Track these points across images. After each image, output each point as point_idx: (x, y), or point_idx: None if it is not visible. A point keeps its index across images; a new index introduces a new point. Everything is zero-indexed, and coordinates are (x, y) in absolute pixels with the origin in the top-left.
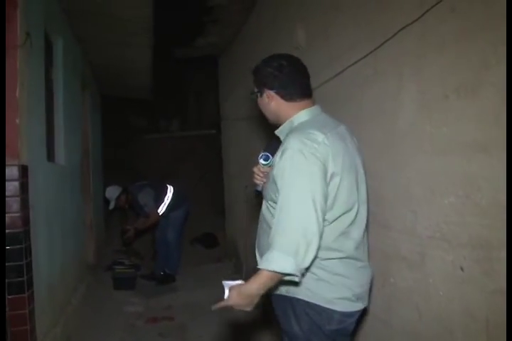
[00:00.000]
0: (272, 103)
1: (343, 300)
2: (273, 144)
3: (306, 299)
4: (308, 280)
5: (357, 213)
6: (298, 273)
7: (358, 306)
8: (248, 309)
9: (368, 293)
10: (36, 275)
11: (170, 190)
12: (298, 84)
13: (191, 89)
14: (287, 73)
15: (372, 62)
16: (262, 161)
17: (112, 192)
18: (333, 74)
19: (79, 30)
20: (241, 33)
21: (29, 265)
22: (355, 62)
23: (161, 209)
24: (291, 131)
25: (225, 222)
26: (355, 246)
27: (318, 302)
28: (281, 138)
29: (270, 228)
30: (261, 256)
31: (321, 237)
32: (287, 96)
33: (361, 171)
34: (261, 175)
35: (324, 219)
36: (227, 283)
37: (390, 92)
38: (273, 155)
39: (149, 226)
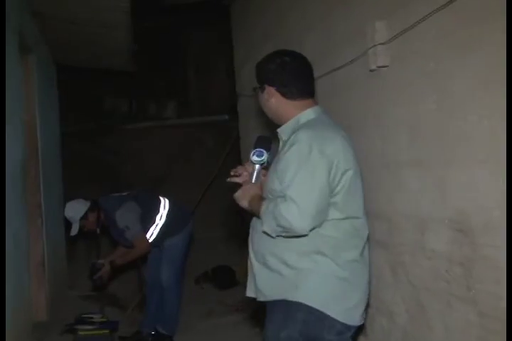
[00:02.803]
0: (272, 100)
1: (347, 311)
2: (264, 140)
3: (308, 303)
4: (311, 284)
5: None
6: (273, 234)
7: (359, 321)
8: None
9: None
10: None
11: (164, 205)
12: (300, 83)
13: (191, 56)
14: (290, 70)
15: None
16: (254, 158)
17: (75, 209)
18: None
19: None
20: None
21: None
22: None
23: (151, 234)
24: (298, 128)
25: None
26: (362, 250)
27: (321, 308)
28: (284, 137)
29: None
30: (257, 260)
31: (318, 225)
32: (288, 94)
33: (359, 180)
34: (239, 172)
35: (336, 217)
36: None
37: None
38: (267, 152)
39: (133, 260)
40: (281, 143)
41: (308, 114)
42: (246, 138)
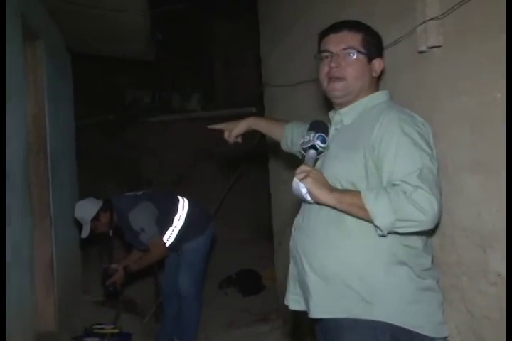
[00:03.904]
0: (373, 75)
1: (439, 325)
2: (323, 124)
3: (395, 323)
4: (392, 299)
5: None
6: (385, 231)
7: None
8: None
9: None
10: None
11: (183, 206)
12: None
13: (218, 46)
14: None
15: None
16: (319, 143)
17: (86, 209)
18: None
19: None
20: None
21: None
22: None
23: (169, 237)
24: (371, 110)
25: (275, 252)
26: (432, 256)
27: (413, 328)
28: (345, 120)
29: (340, 221)
30: (315, 270)
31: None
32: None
33: None
34: (308, 168)
35: None
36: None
37: None
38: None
39: (149, 265)
40: (332, 129)
41: (381, 96)
42: None
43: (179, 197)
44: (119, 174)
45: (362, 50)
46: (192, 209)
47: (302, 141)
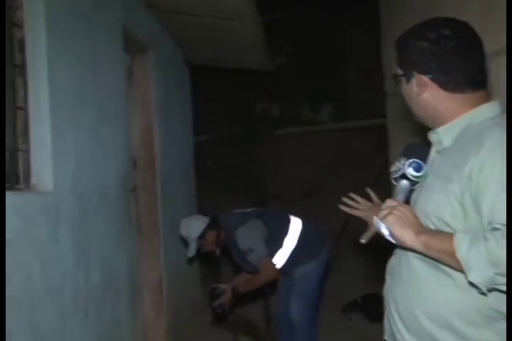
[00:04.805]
0: (425, 94)
1: None
2: (420, 148)
3: None
4: None
5: None
6: (482, 287)
7: None
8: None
9: None
10: None
11: (295, 226)
12: (468, 68)
13: (351, 56)
14: (452, 50)
15: None
16: (410, 171)
17: (192, 226)
18: None
19: None
20: None
21: None
22: None
23: (279, 260)
24: (471, 127)
25: None
26: None
27: None
28: (445, 142)
29: (435, 268)
30: (406, 324)
31: None
32: (450, 85)
33: None
34: (394, 204)
35: None
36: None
37: None
38: (425, 163)
39: (258, 287)
40: (433, 151)
41: (483, 112)
42: (394, 145)
43: (291, 217)
44: (245, 189)
45: (400, 71)
46: (305, 230)
47: (392, 169)
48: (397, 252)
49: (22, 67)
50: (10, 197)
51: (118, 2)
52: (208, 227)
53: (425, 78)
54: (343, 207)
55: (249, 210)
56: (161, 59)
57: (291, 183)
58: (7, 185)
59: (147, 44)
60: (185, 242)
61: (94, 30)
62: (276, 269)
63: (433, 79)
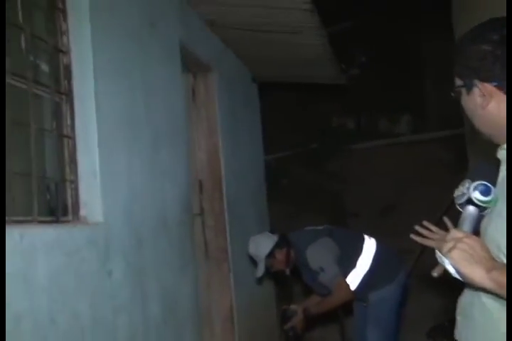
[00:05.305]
0: (491, 105)
1: None
2: (485, 168)
3: None
4: None
5: None
6: None
7: None
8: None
9: None
10: None
11: (369, 247)
12: None
13: (428, 65)
14: None
15: None
16: (476, 195)
17: (260, 245)
18: None
19: None
20: None
21: None
22: None
23: (352, 281)
24: None
25: None
26: None
27: None
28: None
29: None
30: None
31: None
32: None
33: None
34: (460, 235)
35: None
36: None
37: None
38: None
39: (331, 309)
40: (502, 170)
41: None
42: (474, 156)
43: (365, 236)
44: (321, 207)
45: (459, 82)
46: (380, 251)
47: (456, 193)
48: (468, 291)
49: (68, 94)
50: (53, 230)
51: (174, 21)
52: (277, 245)
53: (489, 86)
54: (414, 237)
55: (320, 228)
56: (225, 77)
57: (369, 199)
58: (52, 218)
59: (209, 63)
60: (254, 262)
61: (148, 50)
62: (350, 290)
63: (498, 87)
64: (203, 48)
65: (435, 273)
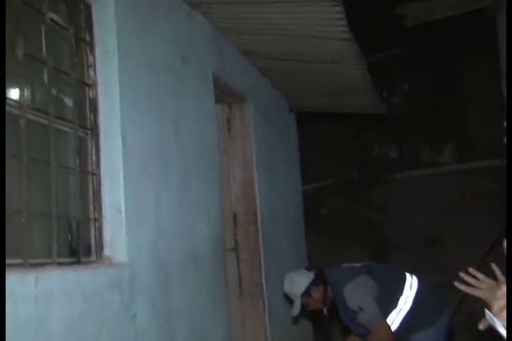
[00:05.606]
0: None
1: None
2: None
3: None
4: None
5: None
6: None
7: None
8: None
9: None
10: None
11: (411, 285)
12: None
13: (471, 90)
14: None
15: None
16: None
17: (296, 282)
18: None
19: None
20: None
21: None
22: None
23: (392, 322)
24: None
25: None
26: None
27: None
28: None
29: None
30: None
31: None
32: None
33: None
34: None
35: None
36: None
37: None
38: None
39: None
40: None
41: None
42: None
43: (407, 274)
44: (362, 238)
45: None
46: (422, 289)
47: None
48: None
49: (93, 129)
50: (72, 273)
51: (208, 51)
52: (313, 283)
53: None
54: (459, 285)
55: (358, 265)
56: (261, 107)
57: (412, 231)
58: (73, 259)
59: (245, 93)
60: (290, 300)
61: (179, 82)
62: (391, 331)
63: None
64: (238, 78)
65: (481, 326)
